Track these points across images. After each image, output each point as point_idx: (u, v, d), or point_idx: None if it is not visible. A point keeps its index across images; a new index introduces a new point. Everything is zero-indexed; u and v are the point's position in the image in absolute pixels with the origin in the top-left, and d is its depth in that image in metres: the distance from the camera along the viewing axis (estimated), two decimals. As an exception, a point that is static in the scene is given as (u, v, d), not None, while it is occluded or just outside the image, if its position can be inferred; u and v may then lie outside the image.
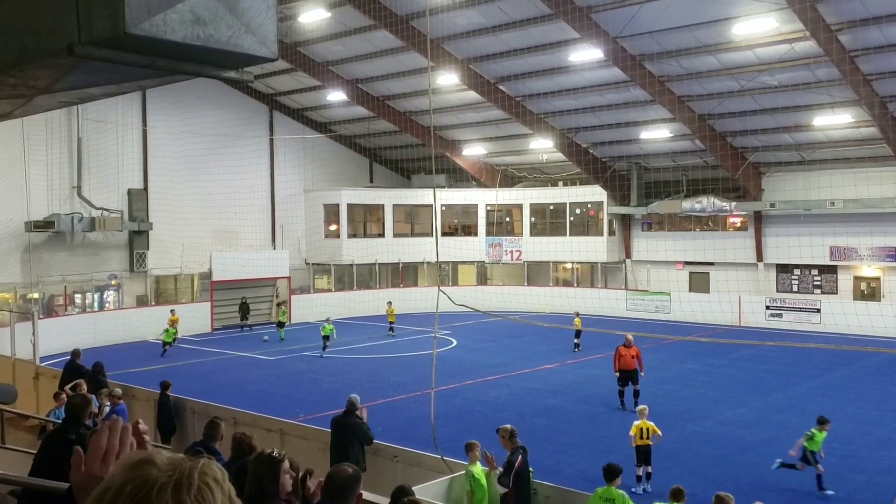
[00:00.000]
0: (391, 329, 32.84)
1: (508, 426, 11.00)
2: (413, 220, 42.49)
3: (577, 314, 29.30)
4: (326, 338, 28.51)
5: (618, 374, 19.52)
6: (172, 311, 31.68)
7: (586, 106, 33.42)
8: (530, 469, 10.57)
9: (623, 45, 28.28)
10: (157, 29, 2.52)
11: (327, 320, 29.63)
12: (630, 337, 19.60)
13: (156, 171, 35.81)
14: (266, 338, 31.68)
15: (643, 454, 13.92)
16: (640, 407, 14.44)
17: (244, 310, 36.24)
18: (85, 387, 14.05)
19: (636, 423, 14.06)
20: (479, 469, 10.84)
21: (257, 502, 5.01)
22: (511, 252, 42.03)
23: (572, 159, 37.57)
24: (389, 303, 33.96)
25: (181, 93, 33.76)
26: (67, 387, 14.25)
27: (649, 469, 13.94)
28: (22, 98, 3.62)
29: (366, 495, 8.18)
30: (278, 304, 34.72)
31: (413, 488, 10.23)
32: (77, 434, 6.37)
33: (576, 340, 28.29)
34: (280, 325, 33.08)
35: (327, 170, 42.62)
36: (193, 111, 36.13)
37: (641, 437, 13.88)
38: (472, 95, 34.35)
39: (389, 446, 12.67)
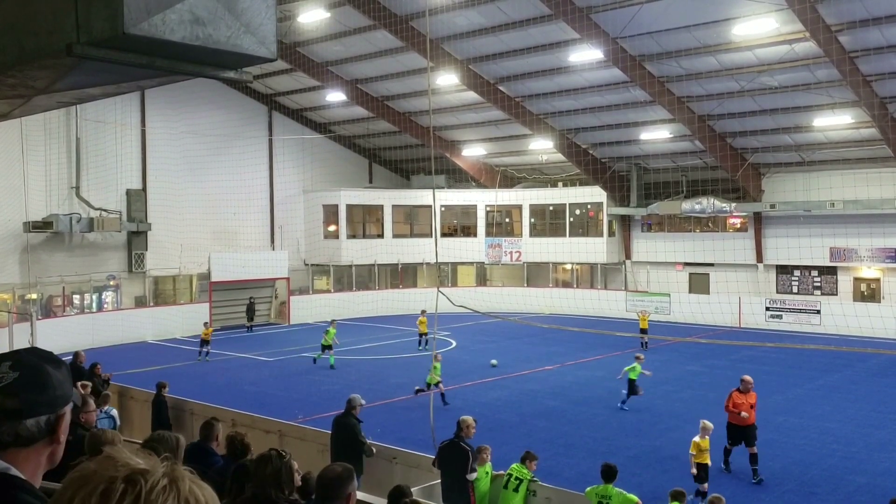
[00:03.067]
0: (420, 342, 29.29)
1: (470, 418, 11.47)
2: (412, 221, 42.46)
3: (643, 312, 31.12)
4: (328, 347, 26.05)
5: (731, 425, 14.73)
6: (206, 324, 29.57)
7: (586, 106, 33.41)
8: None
9: (623, 45, 28.26)
10: (156, 29, 2.50)
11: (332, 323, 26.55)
12: (749, 379, 15.09)
13: (154, 172, 35.78)
14: (316, 357, 26.39)
15: (706, 471, 13.16)
16: (705, 423, 13.39)
17: (251, 310, 36.22)
18: (89, 388, 14.09)
19: (696, 439, 13.18)
20: (481, 471, 10.89)
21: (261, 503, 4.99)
22: (510, 253, 42.01)
23: (572, 160, 37.56)
24: (423, 311, 28.99)
25: (180, 93, 33.73)
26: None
27: (705, 487, 13.08)
28: (21, 98, 3.60)
29: (365, 496, 8.17)
30: (332, 321, 28.05)
31: (412, 489, 10.26)
32: (74, 435, 6.35)
33: (644, 339, 28.87)
34: (327, 347, 26.18)
35: (326, 170, 42.61)
36: (192, 111, 36.11)
37: (700, 454, 13.11)
38: (472, 96, 34.34)
39: (388, 447, 12.65)
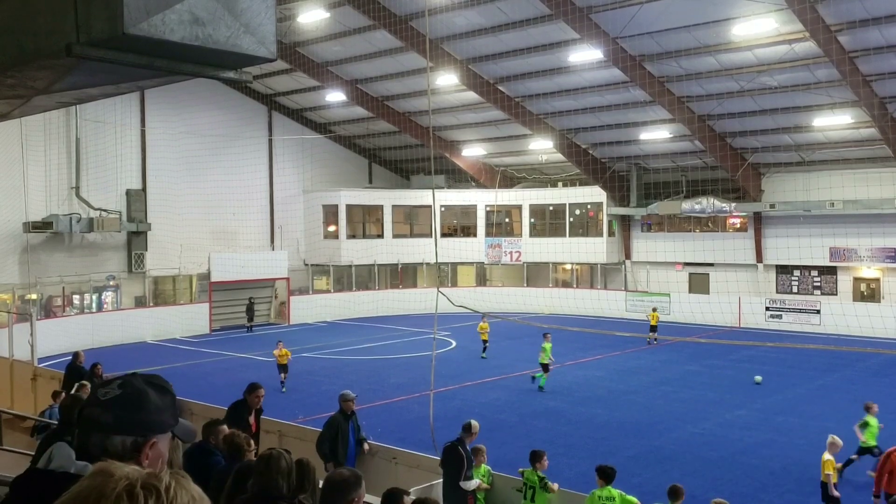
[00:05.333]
0: (485, 350, 27.30)
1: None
2: (412, 221, 42.47)
3: (654, 309, 31.48)
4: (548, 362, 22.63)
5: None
6: (279, 342, 23.64)
7: (586, 106, 33.41)
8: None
9: (623, 45, 28.27)
10: (156, 29, 2.50)
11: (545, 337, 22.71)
12: None
13: (154, 172, 35.78)
14: (541, 383, 22.21)
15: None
16: (835, 438, 12.16)
17: (251, 311, 36.22)
18: (88, 388, 14.04)
19: (830, 457, 11.85)
20: (477, 473, 10.88)
21: (263, 502, 4.99)
22: (510, 253, 42.01)
23: (572, 160, 37.56)
24: (484, 316, 26.81)
25: (180, 93, 33.72)
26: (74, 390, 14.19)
27: None
28: (20, 98, 3.59)
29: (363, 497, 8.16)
30: (546, 335, 22.96)
31: (412, 490, 10.25)
32: (73, 436, 6.33)
33: (653, 334, 29.55)
34: (545, 365, 22.33)
35: (326, 170, 42.61)
36: (192, 112, 36.10)
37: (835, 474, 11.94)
38: (472, 96, 34.34)
39: (388, 448, 12.64)
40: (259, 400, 11.34)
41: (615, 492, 10.03)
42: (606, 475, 10.16)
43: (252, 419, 11.37)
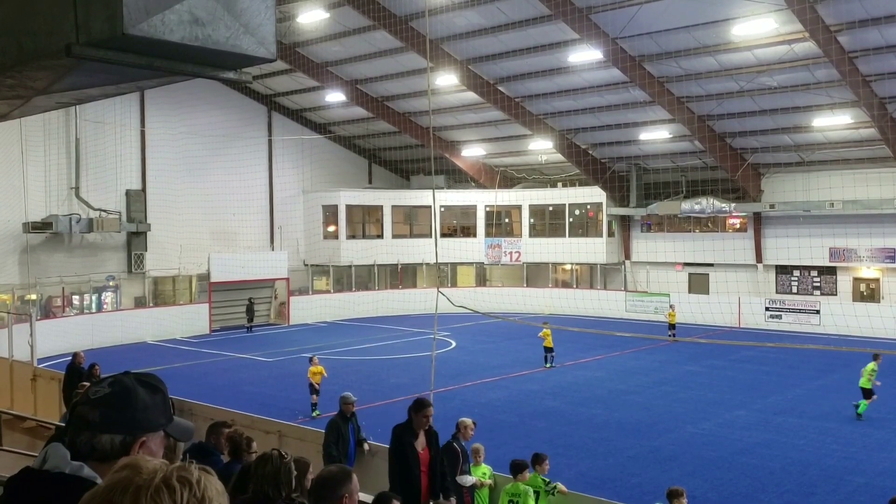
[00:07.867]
0: (546, 359, 25.51)
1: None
2: (412, 221, 42.46)
3: (672, 307, 32.49)
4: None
5: None
6: (312, 358, 20.21)
7: (586, 107, 33.41)
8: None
9: (622, 45, 28.27)
10: (156, 30, 2.50)
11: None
12: None
13: (154, 172, 35.78)
14: (859, 409, 18.51)
15: None
16: None
17: (251, 311, 36.22)
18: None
19: None
20: (476, 473, 10.86)
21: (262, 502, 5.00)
22: (510, 253, 42.01)
23: (571, 160, 37.56)
24: (546, 323, 25.92)
25: (179, 93, 33.71)
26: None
27: None
28: (20, 99, 3.59)
29: (364, 496, 8.15)
30: (875, 355, 19.08)
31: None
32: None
33: (671, 332, 30.48)
34: (867, 391, 18.55)
35: (326, 171, 42.61)
36: (192, 112, 36.09)
37: None
38: (472, 96, 34.34)
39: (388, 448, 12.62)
40: (428, 420, 9.10)
41: (521, 487, 9.90)
42: (513, 469, 10.01)
43: (422, 446, 9.01)
